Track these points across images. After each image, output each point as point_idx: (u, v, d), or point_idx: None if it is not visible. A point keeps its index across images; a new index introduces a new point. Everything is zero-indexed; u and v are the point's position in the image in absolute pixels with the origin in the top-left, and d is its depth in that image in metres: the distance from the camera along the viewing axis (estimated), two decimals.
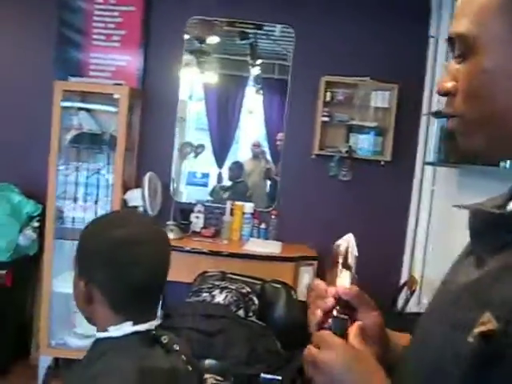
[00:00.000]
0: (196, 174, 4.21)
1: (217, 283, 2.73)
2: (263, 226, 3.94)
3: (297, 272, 3.59)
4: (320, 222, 3.90)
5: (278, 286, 2.92)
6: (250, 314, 2.63)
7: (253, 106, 4.31)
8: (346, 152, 3.81)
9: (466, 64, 0.69)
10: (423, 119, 3.60)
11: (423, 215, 3.71)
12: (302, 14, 3.84)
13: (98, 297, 1.06)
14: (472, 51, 0.68)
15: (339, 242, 0.92)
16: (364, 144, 3.89)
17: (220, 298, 2.61)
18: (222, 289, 2.66)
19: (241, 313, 2.58)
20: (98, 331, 1.09)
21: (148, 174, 3.55)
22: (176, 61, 3.91)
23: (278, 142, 4.11)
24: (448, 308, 0.69)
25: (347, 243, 0.92)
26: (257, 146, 4.30)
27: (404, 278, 3.79)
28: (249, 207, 3.91)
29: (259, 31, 4.00)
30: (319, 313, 0.82)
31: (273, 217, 3.94)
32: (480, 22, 0.67)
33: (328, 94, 3.80)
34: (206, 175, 4.23)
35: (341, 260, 0.89)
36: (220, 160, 4.28)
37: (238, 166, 4.26)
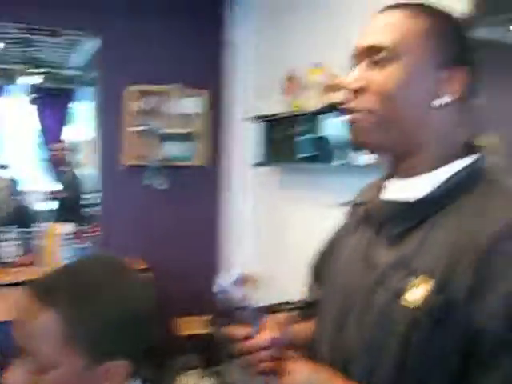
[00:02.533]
0: None
1: None
2: (86, 244, 3.74)
3: None
4: (143, 232, 3.85)
5: None
6: None
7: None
8: (161, 160, 3.81)
9: (383, 70, 0.85)
10: (243, 123, 3.77)
11: (247, 215, 3.88)
12: (108, 23, 3.68)
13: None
14: (391, 60, 0.85)
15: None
16: (178, 151, 3.92)
17: None
18: None
19: None
20: None
21: None
22: None
23: (55, 153, 3.95)
24: (376, 285, 0.85)
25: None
26: None
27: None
28: (66, 228, 3.67)
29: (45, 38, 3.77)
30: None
31: (92, 234, 3.76)
32: (405, 39, 0.85)
33: (138, 103, 3.74)
34: None
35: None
36: None
37: None
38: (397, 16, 0.87)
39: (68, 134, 4.99)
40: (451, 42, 0.87)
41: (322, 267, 1.09)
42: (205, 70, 3.94)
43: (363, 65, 0.89)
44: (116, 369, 0.82)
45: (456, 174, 0.86)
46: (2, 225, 3.66)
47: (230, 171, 4.00)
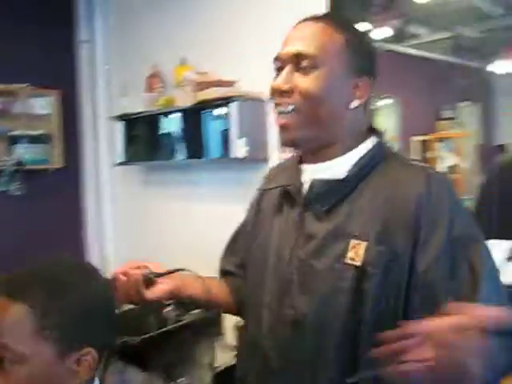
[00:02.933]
0: None
1: None
2: None
3: None
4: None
5: None
6: None
7: None
8: (15, 164, 3.58)
9: (306, 75, 0.99)
10: (103, 122, 3.67)
11: (106, 215, 3.80)
12: None
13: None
14: (313, 68, 0.99)
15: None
16: (31, 154, 3.71)
17: None
18: None
19: None
20: None
21: None
22: None
23: None
24: (317, 253, 0.99)
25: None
26: None
27: None
28: None
29: None
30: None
31: None
32: (326, 51, 0.99)
33: None
34: None
35: None
36: None
37: None
38: (319, 28, 1.02)
39: None
40: (361, 55, 1.04)
41: (245, 246, 1.19)
42: (55, 69, 3.75)
43: (288, 69, 1.01)
44: (84, 357, 0.88)
45: (365, 154, 1.04)
46: None
47: (87, 172, 3.88)
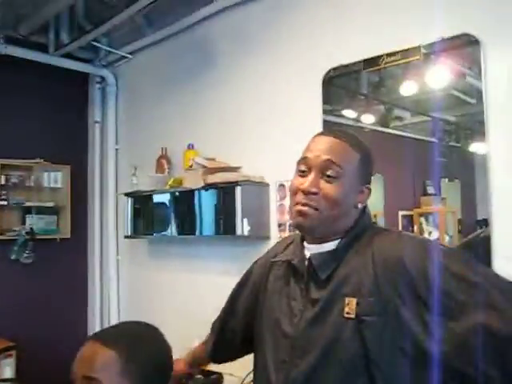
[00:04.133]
0: None
1: None
2: None
3: None
4: (5, 309, 3.77)
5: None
6: None
7: None
8: (27, 234, 3.82)
9: (330, 183, 1.23)
10: (112, 197, 3.95)
11: (112, 284, 4.00)
12: None
13: None
14: (337, 178, 1.23)
15: None
16: (42, 224, 3.96)
17: None
18: None
19: None
20: None
21: None
22: None
23: None
24: (322, 313, 1.21)
25: None
26: None
27: None
28: None
29: None
30: None
31: None
32: (348, 166, 1.24)
33: (2, 177, 3.75)
34: None
35: None
36: None
37: None
38: (340, 145, 1.26)
39: None
40: (368, 169, 1.31)
41: (255, 313, 1.43)
42: (68, 146, 4.09)
43: (315, 175, 1.25)
44: None
45: (351, 229, 1.28)
46: None
47: (94, 242, 4.12)
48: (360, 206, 1.29)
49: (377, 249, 1.20)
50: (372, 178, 1.35)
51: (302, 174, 1.27)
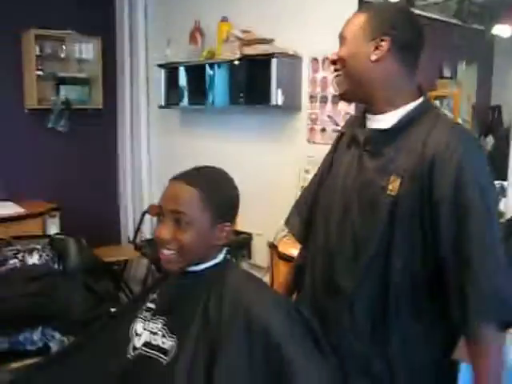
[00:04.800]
0: None
1: (19, 247, 2.75)
2: None
3: (44, 226, 3.73)
4: (45, 175, 4.04)
5: (63, 237, 3.10)
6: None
7: None
8: (63, 103, 3.98)
9: (340, 48, 1.34)
10: (139, 68, 4.07)
11: (143, 151, 4.24)
12: None
13: None
14: (343, 42, 1.34)
15: None
16: (75, 94, 4.11)
17: (34, 259, 2.67)
18: (30, 251, 2.72)
19: (56, 267, 2.73)
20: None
21: None
22: None
23: None
24: (366, 183, 1.33)
25: None
26: None
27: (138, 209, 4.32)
28: None
29: None
30: None
31: None
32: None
33: (36, 47, 3.83)
34: None
35: None
36: None
37: None
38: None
39: None
40: (380, 21, 1.31)
41: (324, 176, 1.56)
42: (98, 17, 4.13)
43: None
44: (225, 228, 1.33)
45: (409, 112, 1.31)
46: None
47: (126, 113, 4.28)
48: (374, 57, 1.30)
49: (432, 140, 1.24)
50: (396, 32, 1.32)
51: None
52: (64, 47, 4.01)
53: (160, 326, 1.32)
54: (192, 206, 1.28)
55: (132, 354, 1.33)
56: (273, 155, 3.19)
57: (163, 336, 1.30)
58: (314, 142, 2.99)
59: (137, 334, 1.35)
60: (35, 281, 2.58)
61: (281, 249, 2.63)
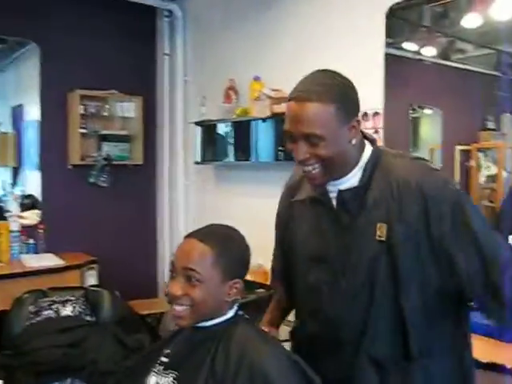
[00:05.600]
0: None
1: (54, 299, 2.85)
2: (31, 241, 3.97)
3: (82, 277, 3.82)
4: (86, 228, 4.18)
5: (98, 289, 3.18)
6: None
7: None
8: (104, 159, 4.15)
9: (315, 147, 1.27)
10: (180, 126, 4.23)
11: (180, 206, 4.34)
12: (45, 30, 3.94)
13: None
14: (320, 142, 1.26)
15: None
16: (116, 151, 4.28)
17: (67, 310, 2.77)
18: (64, 302, 2.81)
19: (89, 319, 2.80)
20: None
21: None
22: None
23: None
24: (356, 238, 1.33)
25: None
26: None
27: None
28: (15, 225, 3.88)
29: None
30: None
31: (40, 230, 4.00)
32: (326, 127, 1.25)
33: (80, 107, 4.05)
34: None
35: None
36: None
37: None
38: (314, 108, 1.25)
39: None
40: (351, 107, 1.31)
41: (284, 236, 1.57)
42: (140, 78, 4.36)
43: (302, 143, 1.29)
44: (235, 285, 1.35)
45: (368, 161, 1.34)
46: None
47: (165, 169, 4.44)
48: (354, 141, 1.32)
49: (394, 174, 1.30)
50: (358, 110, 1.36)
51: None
52: (107, 106, 4.22)
53: (171, 380, 1.34)
54: (203, 264, 1.31)
55: None
56: None
57: None
58: None
59: None
60: (67, 332, 2.66)
61: None
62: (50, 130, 4.06)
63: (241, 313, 1.44)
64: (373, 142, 1.40)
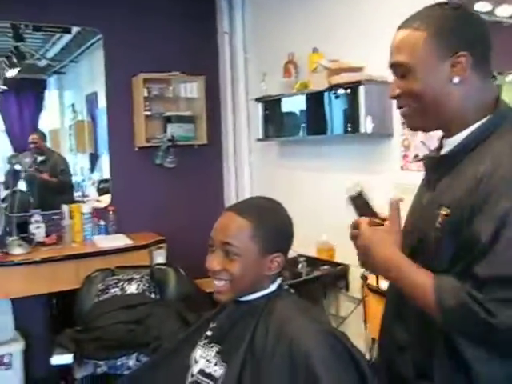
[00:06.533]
0: None
1: (120, 277, 2.94)
2: (102, 222, 4.11)
3: (151, 256, 3.92)
4: (154, 208, 4.27)
5: (163, 267, 3.25)
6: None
7: None
8: (169, 141, 4.20)
9: (405, 80, 1.15)
10: (243, 104, 4.21)
11: (246, 183, 4.35)
12: (107, 18, 4.02)
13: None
14: (408, 73, 1.14)
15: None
16: (181, 132, 4.32)
17: (132, 288, 2.85)
18: (129, 280, 2.90)
19: (153, 296, 2.87)
20: None
21: None
22: None
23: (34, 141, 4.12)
24: (422, 214, 1.23)
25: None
26: None
27: None
28: (87, 207, 4.02)
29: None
30: None
31: (110, 212, 4.12)
32: (412, 54, 1.13)
33: (145, 90, 4.11)
34: None
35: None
36: None
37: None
38: (405, 34, 1.16)
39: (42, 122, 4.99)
40: (455, 38, 1.12)
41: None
42: (201, 58, 4.35)
43: (394, 77, 1.20)
44: (276, 259, 1.33)
45: (474, 130, 1.13)
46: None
47: (230, 147, 4.45)
48: (456, 80, 1.12)
49: (491, 159, 1.06)
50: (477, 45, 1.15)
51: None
52: (170, 88, 4.26)
53: (214, 353, 1.33)
54: (241, 238, 1.30)
55: (190, 380, 1.36)
56: (365, 185, 3.11)
57: (215, 364, 1.31)
58: (408, 169, 2.89)
59: (195, 361, 1.38)
60: (132, 309, 2.73)
61: (370, 281, 2.55)
62: (116, 114, 4.15)
63: (286, 287, 1.41)
64: (501, 108, 1.16)
